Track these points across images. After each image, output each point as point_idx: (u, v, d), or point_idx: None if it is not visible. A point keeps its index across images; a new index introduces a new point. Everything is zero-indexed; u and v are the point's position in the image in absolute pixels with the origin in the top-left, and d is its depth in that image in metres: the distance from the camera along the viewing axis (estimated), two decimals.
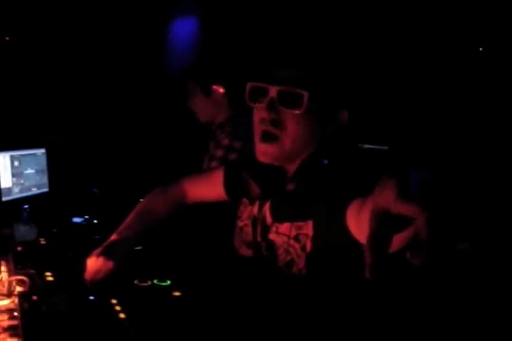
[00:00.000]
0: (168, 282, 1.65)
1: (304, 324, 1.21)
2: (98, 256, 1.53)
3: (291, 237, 1.25)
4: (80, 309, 1.43)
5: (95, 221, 2.43)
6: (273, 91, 1.18)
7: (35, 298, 1.47)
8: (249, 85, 1.23)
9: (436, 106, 3.50)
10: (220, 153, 2.26)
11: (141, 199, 2.81)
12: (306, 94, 1.15)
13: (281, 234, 1.29)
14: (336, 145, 1.28)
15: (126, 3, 3.89)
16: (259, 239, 1.36)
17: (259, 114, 1.22)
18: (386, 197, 0.67)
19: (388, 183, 0.67)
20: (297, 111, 1.17)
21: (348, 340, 1.20)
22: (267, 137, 1.21)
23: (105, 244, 1.58)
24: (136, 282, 1.64)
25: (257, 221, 1.37)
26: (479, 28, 3.28)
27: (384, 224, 0.67)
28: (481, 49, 3.45)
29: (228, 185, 1.56)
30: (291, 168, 1.29)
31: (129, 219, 1.66)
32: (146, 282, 1.64)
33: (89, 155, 3.29)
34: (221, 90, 2.35)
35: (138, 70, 3.92)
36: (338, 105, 1.23)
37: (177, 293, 1.58)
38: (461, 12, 3.29)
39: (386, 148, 3.32)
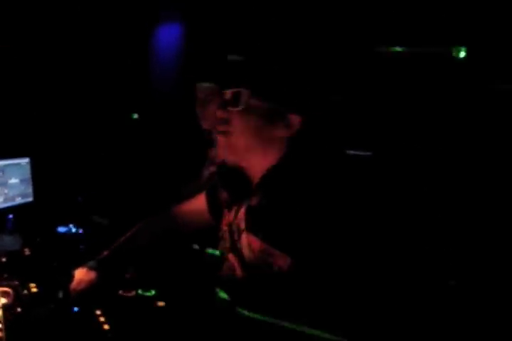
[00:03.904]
0: (153, 292, 1.66)
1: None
2: (83, 266, 1.56)
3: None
4: (64, 320, 1.44)
5: (80, 230, 2.43)
6: (227, 93, 1.30)
7: (19, 309, 1.47)
8: None
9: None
10: None
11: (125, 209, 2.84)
12: (245, 92, 1.26)
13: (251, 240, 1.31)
14: (314, 153, 1.32)
15: (110, 10, 3.89)
16: (236, 243, 1.36)
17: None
18: None
19: None
20: (238, 108, 1.27)
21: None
22: (220, 132, 1.32)
23: (97, 258, 1.62)
24: (120, 292, 1.65)
25: (232, 227, 1.39)
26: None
27: None
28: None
29: (211, 204, 1.62)
30: (255, 177, 1.34)
31: (122, 240, 1.69)
32: (130, 292, 1.65)
33: (74, 164, 3.27)
34: None
35: (124, 78, 3.92)
36: (287, 108, 1.27)
37: (161, 303, 1.59)
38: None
39: (369, 153, 3.35)
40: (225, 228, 1.43)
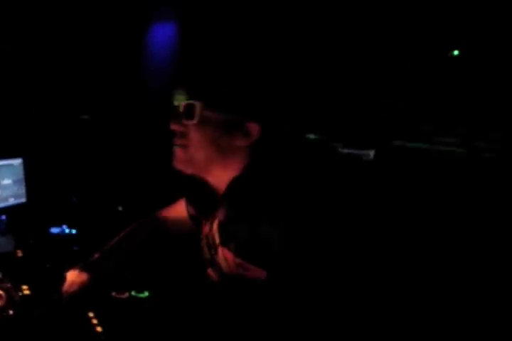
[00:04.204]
0: (146, 293, 1.65)
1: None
2: (75, 268, 1.55)
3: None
4: (56, 323, 1.43)
5: (73, 231, 2.41)
6: (182, 106, 1.27)
7: (11, 312, 1.46)
8: None
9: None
10: None
11: (120, 208, 2.83)
12: (198, 104, 1.23)
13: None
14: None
15: (103, 9, 3.88)
16: (214, 257, 1.34)
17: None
18: None
19: None
20: (193, 121, 1.24)
21: None
22: (177, 146, 1.30)
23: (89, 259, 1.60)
24: (113, 294, 1.64)
25: (209, 239, 1.36)
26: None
27: None
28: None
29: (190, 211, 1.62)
30: (220, 189, 1.32)
31: (115, 241, 1.68)
32: (123, 293, 1.64)
33: (67, 164, 3.26)
34: None
35: (117, 77, 3.90)
36: (243, 116, 1.25)
37: (155, 305, 1.58)
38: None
39: (368, 152, 3.32)
40: (203, 240, 1.41)
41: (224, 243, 1.25)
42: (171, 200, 1.78)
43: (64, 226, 2.43)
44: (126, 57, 4.02)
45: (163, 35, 4.35)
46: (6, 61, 3.29)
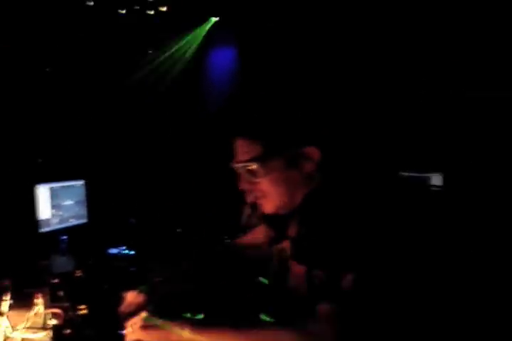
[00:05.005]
0: (201, 316, 1.63)
1: None
2: (134, 290, 1.55)
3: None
4: None
5: (132, 252, 2.43)
6: (239, 169, 1.28)
7: (68, 331, 1.47)
8: None
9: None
10: None
11: (179, 230, 2.84)
12: (254, 166, 1.24)
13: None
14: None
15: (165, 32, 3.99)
16: (284, 272, 1.36)
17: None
18: None
19: None
20: (258, 180, 1.25)
21: None
22: (257, 199, 1.31)
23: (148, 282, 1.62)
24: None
25: (281, 254, 1.39)
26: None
27: None
28: None
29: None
30: (294, 206, 1.31)
31: (182, 269, 1.70)
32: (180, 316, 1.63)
33: (127, 187, 3.32)
34: None
35: (176, 101, 3.97)
36: (298, 147, 1.24)
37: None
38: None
39: (426, 175, 3.22)
40: (276, 256, 1.42)
41: (295, 258, 1.26)
42: (229, 222, 1.78)
43: (122, 247, 2.46)
44: (186, 79, 4.10)
45: (223, 59, 4.42)
46: (66, 86, 3.40)
